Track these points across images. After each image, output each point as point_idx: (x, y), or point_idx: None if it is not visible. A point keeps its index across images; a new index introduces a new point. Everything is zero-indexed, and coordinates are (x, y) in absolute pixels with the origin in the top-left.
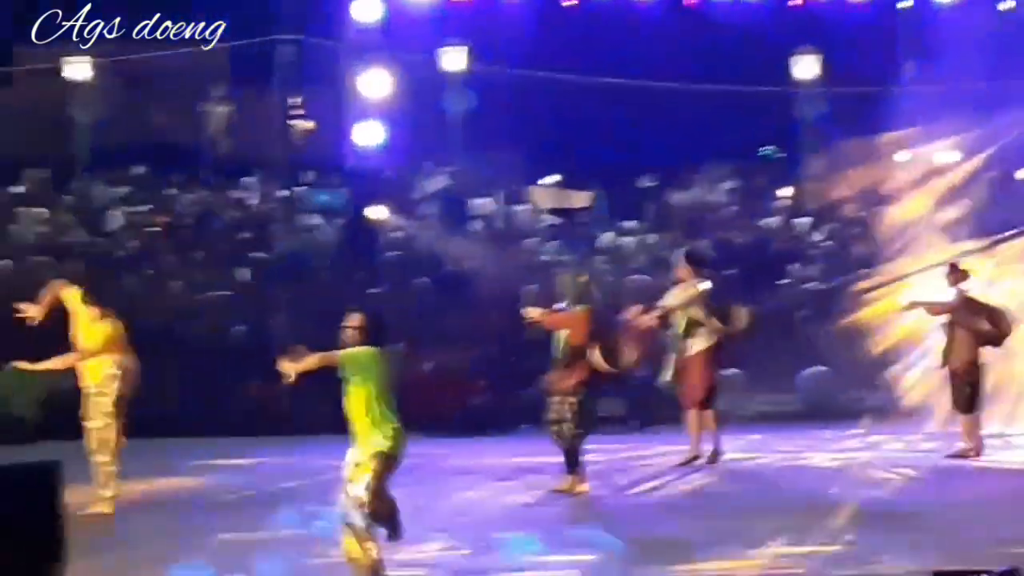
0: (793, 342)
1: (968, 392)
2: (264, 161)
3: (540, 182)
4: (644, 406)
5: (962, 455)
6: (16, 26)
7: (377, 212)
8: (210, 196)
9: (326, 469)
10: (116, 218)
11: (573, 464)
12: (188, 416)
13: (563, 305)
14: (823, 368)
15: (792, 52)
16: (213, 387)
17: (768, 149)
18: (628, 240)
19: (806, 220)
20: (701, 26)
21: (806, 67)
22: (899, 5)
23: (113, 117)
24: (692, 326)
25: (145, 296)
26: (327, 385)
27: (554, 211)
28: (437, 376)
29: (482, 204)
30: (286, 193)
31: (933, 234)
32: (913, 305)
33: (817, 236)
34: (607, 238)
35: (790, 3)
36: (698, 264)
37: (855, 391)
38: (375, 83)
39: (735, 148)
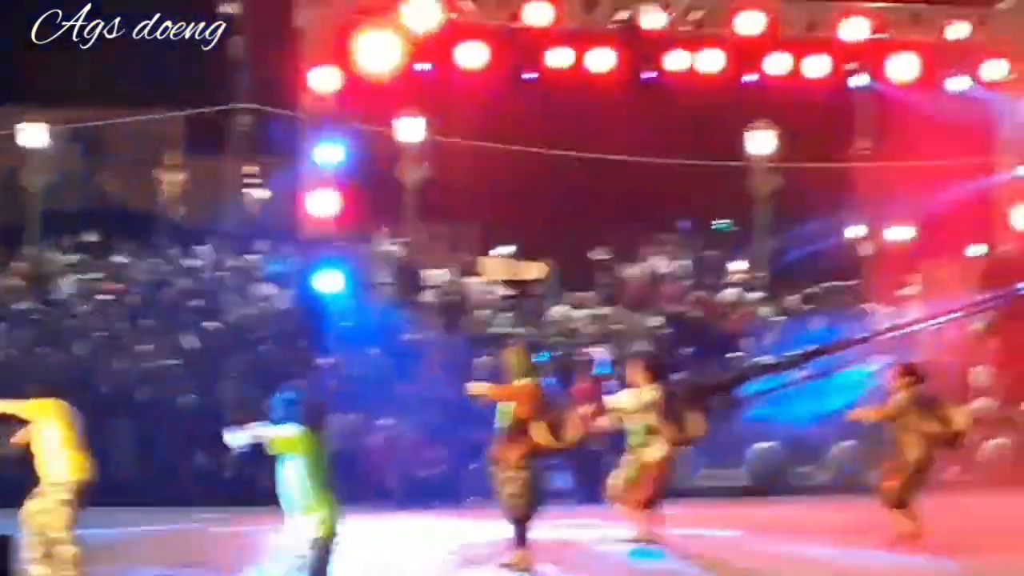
0: (743, 416)
1: (902, 488)
2: (218, 229)
3: (493, 253)
4: (589, 480)
5: (899, 541)
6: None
7: (329, 281)
8: (163, 264)
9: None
10: (67, 285)
11: (521, 538)
12: (139, 484)
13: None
14: (772, 443)
15: (747, 127)
16: (163, 455)
17: (723, 223)
18: (580, 313)
19: (758, 295)
20: (657, 99)
21: (760, 142)
22: (852, 83)
23: (66, 182)
24: (649, 433)
25: (96, 363)
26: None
27: (506, 282)
28: (386, 447)
29: (435, 274)
30: (239, 262)
31: (887, 313)
32: (858, 417)
33: (769, 310)
34: (559, 310)
35: (745, 79)
36: (654, 371)
37: (804, 466)
38: (330, 153)
39: (689, 221)
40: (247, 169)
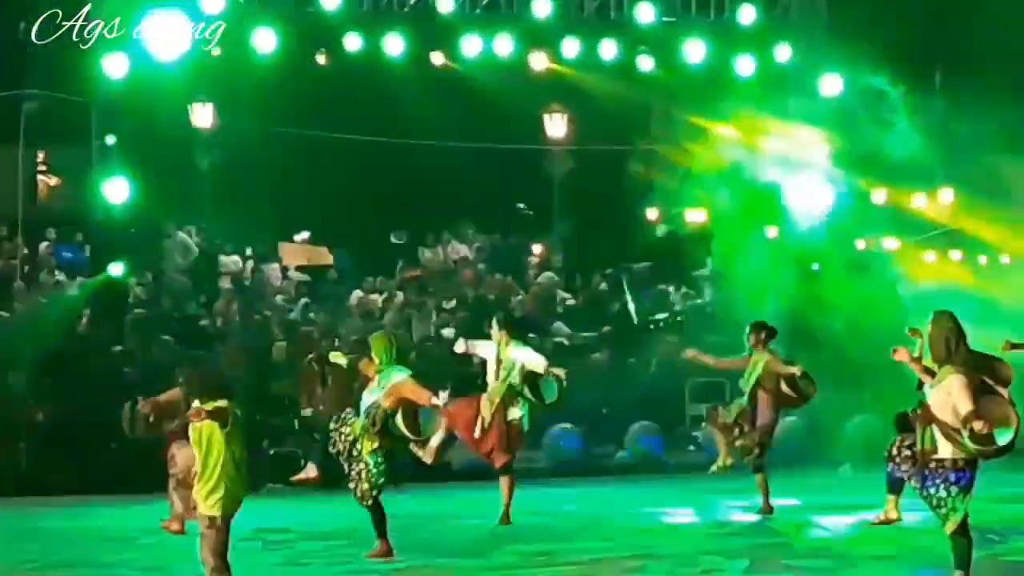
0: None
1: (758, 452)
2: (6, 217)
3: (290, 238)
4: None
5: (763, 513)
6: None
7: (122, 269)
8: None
9: None
10: None
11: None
12: None
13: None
14: (571, 425)
15: (542, 111)
16: None
17: (520, 206)
18: (376, 297)
19: (556, 276)
20: (452, 84)
21: (556, 125)
22: (643, 69)
23: None
24: (513, 393)
25: None
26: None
27: (302, 268)
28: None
29: (231, 261)
30: (30, 250)
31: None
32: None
33: (566, 292)
34: (356, 295)
35: (538, 63)
36: (515, 328)
37: (604, 447)
38: (122, 139)
39: (486, 205)
40: (37, 156)
